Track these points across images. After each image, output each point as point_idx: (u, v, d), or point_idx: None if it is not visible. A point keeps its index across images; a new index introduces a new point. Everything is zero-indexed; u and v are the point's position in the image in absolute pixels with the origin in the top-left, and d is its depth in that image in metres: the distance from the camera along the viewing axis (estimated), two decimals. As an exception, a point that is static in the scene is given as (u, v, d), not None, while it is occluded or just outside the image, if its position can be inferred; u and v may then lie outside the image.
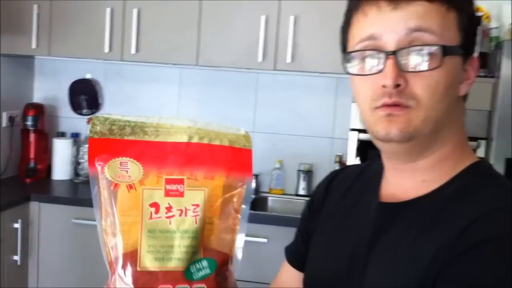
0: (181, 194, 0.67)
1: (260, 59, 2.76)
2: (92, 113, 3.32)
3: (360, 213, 0.88)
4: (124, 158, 0.66)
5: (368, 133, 0.81)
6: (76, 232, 2.75)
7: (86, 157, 3.10)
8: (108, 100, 3.34)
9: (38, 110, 3.15)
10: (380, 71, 0.75)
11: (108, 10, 2.87)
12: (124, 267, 0.65)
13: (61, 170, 3.19)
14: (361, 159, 2.54)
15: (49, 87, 3.39)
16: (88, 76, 3.32)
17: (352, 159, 2.61)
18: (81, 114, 3.33)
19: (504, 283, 0.66)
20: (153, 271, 0.65)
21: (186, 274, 0.66)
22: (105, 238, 0.66)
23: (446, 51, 0.74)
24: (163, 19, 2.86)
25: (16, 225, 2.67)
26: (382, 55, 0.75)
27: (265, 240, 2.57)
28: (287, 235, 1.06)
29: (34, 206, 2.79)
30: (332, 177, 1.01)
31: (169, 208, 0.66)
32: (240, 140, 0.71)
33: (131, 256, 0.65)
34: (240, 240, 0.70)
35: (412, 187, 0.82)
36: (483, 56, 2.70)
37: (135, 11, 2.85)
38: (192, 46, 2.84)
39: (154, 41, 2.88)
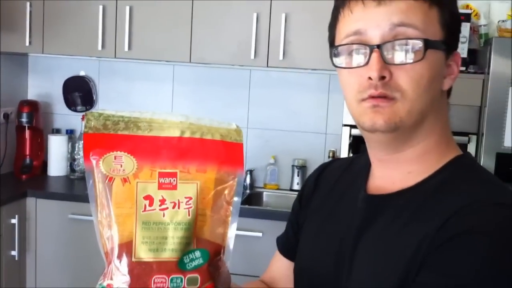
0: (174, 187, 0.69)
1: (252, 56, 2.79)
2: (87, 109, 3.34)
3: (348, 205, 0.90)
4: (119, 152, 0.68)
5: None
6: (72, 227, 2.77)
7: (81, 153, 3.12)
8: (102, 97, 3.36)
9: (33, 107, 3.16)
10: (365, 64, 0.78)
11: (100, 8, 2.88)
12: (119, 257, 0.67)
13: (56, 166, 3.21)
14: (354, 154, 2.58)
15: (43, 84, 3.40)
16: (81, 73, 3.33)
17: (345, 154, 2.65)
18: (75, 111, 3.35)
19: (481, 274, 0.69)
20: (147, 262, 0.67)
21: (180, 265, 0.67)
22: (101, 230, 0.68)
23: (428, 44, 0.77)
24: (156, 16, 2.88)
25: (14, 221, 2.69)
26: (367, 49, 0.78)
27: (260, 234, 2.59)
28: (282, 229, 1.09)
29: (30, 202, 2.81)
30: (322, 170, 1.03)
31: (162, 201, 0.68)
32: (231, 135, 0.73)
33: (127, 247, 0.67)
34: (232, 231, 0.72)
35: (399, 178, 0.84)
36: (473, 52, 2.74)
37: (127, 9, 2.87)
38: (185, 43, 2.86)
39: (146, 38, 2.90)
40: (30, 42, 2.97)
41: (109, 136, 0.69)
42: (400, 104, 0.78)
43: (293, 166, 3.13)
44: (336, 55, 0.82)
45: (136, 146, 0.69)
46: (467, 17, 2.57)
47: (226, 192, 0.71)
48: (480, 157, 2.49)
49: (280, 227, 1.11)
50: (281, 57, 2.77)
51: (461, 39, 2.54)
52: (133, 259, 0.67)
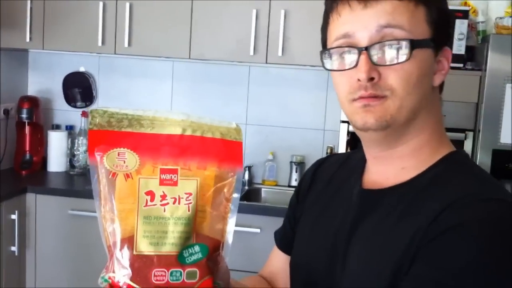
0: (175, 183, 0.70)
1: (251, 52, 2.80)
2: (86, 105, 3.35)
3: (343, 200, 0.92)
4: (122, 148, 0.70)
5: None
6: (72, 223, 2.79)
7: (81, 149, 3.14)
8: (102, 93, 3.37)
9: (33, 103, 3.17)
10: (355, 66, 0.80)
11: (100, 4, 2.90)
12: (121, 251, 0.68)
13: (56, 162, 3.22)
14: (352, 150, 2.59)
15: (43, 80, 3.41)
16: (81, 69, 3.35)
17: (343, 150, 2.67)
18: (75, 106, 3.37)
19: (473, 266, 0.71)
20: (148, 255, 0.68)
21: (179, 258, 0.69)
22: (104, 224, 0.70)
23: (415, 44, 0.79)
24: (155, 13, 2.89)
25: (13, 217, 2.70)
26: (355, 51, 0.80)
27: (258, 230, 2.61)
28: (280, 225, 1.11)
29: (30, 197, 2.83)
30: (318, 165, 1.06)
31: (163, 196, 0.70)
32: (231, 133, 0.74)
33: (128, 241, 0.69)
34: (231, 227, 0.73)
35: (393, 174, 0.86)
36: (470, 49, 2.75)
37: (127, 5, 2.88)
38: (184, 40, 2.87)
39: (146, 34, 2.91)
40: (30, 38, 2.98)
41: (113, 133, 0.70)
42: (390, 101, 0.80)
43: (291, 162, 3.15)
44: (327, 57, 0.85)
45: (139, 143, 0.71)
46: (465, 14, 2.58)
47: (225, 189, 0.73)
48: (476, 154, 2.51)
49: (278, 223, 1.13)
50: (280, 54, 2.79)
51: (459, 36, 2.56)
52: (134, 253, 0.68)
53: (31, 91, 3.40)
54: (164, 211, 0.70)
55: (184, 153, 0.72)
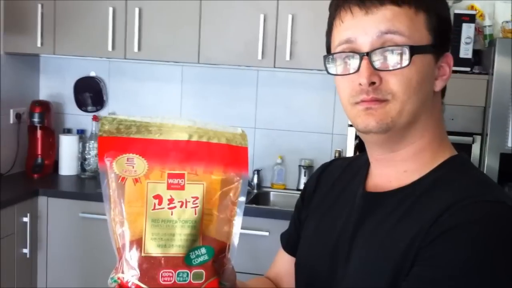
0: (182, 188, 0.72)
1: (259, 57, 2.83)
2: (97, 110, 3.39)
3: (346, 202, 0.94)
4: (131, 154, 0.72)
5: None
6: (83, 226, 2.83)
7: (92, 152, 3.18)
8: (112, 97, 3.41)
9: (44, 107, 3.21)
10: (356, 71, 0.82)
11: (110, 10, 2.94)
12: (130, 252, 0.71)
13: (67, 165, 3.26)
14: (357, 154, 2.61)
15: (54, 84, 3.45)
16: (92, 74, 3.39)
17: (351, 154, 2.68)
18: (86, 111, 3.41)
19: (471, 267, 0.73)
20: (156, 257, 0.71)
21: (186, 260, 0.71)
22: (113, 227, 0.72)
23: (414, 50, 0.81)
24: (164, 18, 2.93)
25: (25, 219, 2.74)
26: (357, 56, 0.82)
27: (266, 233, 2.63)
28: (288, 228, 1.12)
29: (42, 200, 2.87)
30: (323, 169, 1.08)
31: (171, 200, 0.72)
32: (236, 139, 0.76)
33: (137, 243, 0.71)
34: (237, 230, 0.75)
35: (395, 177, 0.88)
36: (478, 53, 2.76)
37: (136, 10, 2.92)
38: (193, 44, 2.90)
39: (155, 39, 2.95)
40: (41, 43, 3.03)
41: (122, 139, 0.73)
42: (391, 105, 0.82)
43: (299, 166, 3.17)
44: (330, 62, 0.87)
45: (147, 149, 0.73)
46: (472, 18, 2.59)
47: (231, 193, 0.75)
48: (484, 157, 2.51)
49: (286, 226, 1.14)
50: (288, 58, 2.81)
51: (466, 40, 2.56)
52: (143, 254, 0.71)
53: (43, 95, 3.44)
54: (172, 214, 0.72)
55: (191, 158, 0.73)
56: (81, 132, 3.35)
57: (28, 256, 2.79)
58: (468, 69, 2.59)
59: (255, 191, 3.14)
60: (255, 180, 3.17)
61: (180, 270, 0.71)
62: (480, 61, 2.77)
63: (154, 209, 0.72)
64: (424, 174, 0.86)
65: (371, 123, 0.83)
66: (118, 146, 0.73)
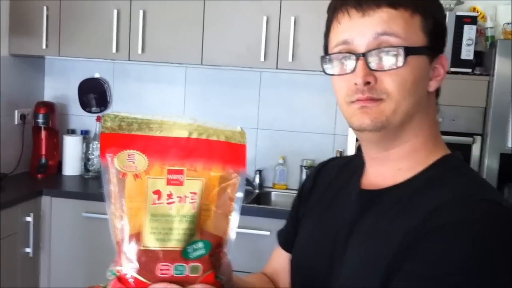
0: (181, 183, 0.74)
1: (262, 58, 2.85)
2: (101, 111, 3.41)
3: (343, 200, 0.96)
4: (132, 150, 0.74)
5: None
6: (86, 226, 2.85)
7: (95, 153, 3.20)
8: (116, 99, 3.44)
9: (49, 108, 3.24)
10: (353, 71, 0.84)
11: (115, 12, 2.96)
12: (129, 246, 0.73)
13: (71, 166, 3.29)
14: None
15: (59, 86, 3.48)
16: (96, 75, 3.41)
17: (352, 155, 2.69)
18: (90, 112, 3.43)
19: (459, 263, 0.74)
20: (154, 250, 0.72)
21: (184, 254, 0.73)
22: (113, 221, 0.74)
23: (409, 51, 0.83)
24: (168, 20, 2.95)
25: (28, 219, 2.77)
26: (353, 57, 0.84)
27: (268, 233, 2.64)
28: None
29: (45, 200, 2.89)
30: (320, 168, 1.10)
31: (170, 195, 0.73)
32: (235, 136, 0.78)
33: (136, 237, 0.73)
34: (234, 225, 0.77)
35: (390, 175, 0.90)
36: (479, 55, 2.77)
37: (141, 13, 2.94)
38: (197, 46, 2.92)
39: (159, 41, 2.97)
40: (46, 45, 3.06)
41: (123, 136, 0.74)
42: (386, 104, 0.84)
43: (301, 166, 3.18)
44: (327, 62, 0.89)
45: (148, 145, 0.74)
46: (474, 20, 2.60)
47: (229, 189, 0.76)
48: (484, 158, 2.52)
49: (288, 226, 1.15)
50: (290, 60, 2.83)
51: (467, 42, 2.58)
52: (141, 248, 0.72)
53: (47, 96, 3.47)
54: (170, 209, 0.73)
55: (191, 155, 0.75)
56: (85, 133, 3.38)
57: (31, 255, 2.81)
58: (469, 70, 2.60)
59: (257, 191, 3.16)
60: (257, 180, 3.19)
61: (177, 264, 0.72)
62: (482, 62, 2.78)
63: (153, 204, 0.73)
64: (418, 172, 0.88)
65: (366, 121, 0.84)
66: (119, 142, 0.74)
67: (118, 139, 0.74)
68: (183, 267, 0.73)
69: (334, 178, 1.03)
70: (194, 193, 0.74)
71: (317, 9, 2.74)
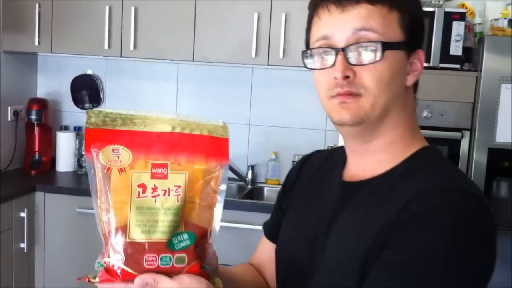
0: (165, 177, 0.76)
1: (253, 55, 2.87)
2: (94, 107, 3.43)
3: (325, 192, 0.98)
4: (116, 145, 0.76)
5: None
6: (79, 221, 2.87)
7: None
8: (109, 95, 3.45)
9: (42, 104, 3.25)
10: (332, 66, 0.87)
11: (107, 9, 2.97)
12: (116, 238, 0.75)
13: (64, 162, 3.30)
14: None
15: (52, 82, 3.49)
16: (89, 72, 3.42)
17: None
18: (83, 108, 3.44)
19: (435, 249, 0.77)
20: (140, 242, 0.74)
21: (169, 245, 0.75)
22: (100, 214, 0.76)
23: (386, 46, 0.85)
24: (160, 16, 2.96)
25: (23, 214, 2.79)
26: (333, 52, 0.87)
27: (260, 227, 2.66)
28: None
29: (39, 196, 2.91)
30: (303, 161, 1.12)
31: (154, 189, 0.75)
32: (218, 130, 0.80)
33: (122, 229, 0.75)
34: (218, 216, 0.79)
35: (369, 167, 0.92)
36: (468, 50, 2.80)
37: (132, 9, 2.96)
38: (188, 42, 2.94)
39: (151, 38, 2.98)
40: (39, 42, 3.07)
41: (107, 131, 0.76)
42: (364, 99, 0.86)
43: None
44: (308, 57, 0.91)
45: (132, 140, 0.76)
46: (462, 16, 2.62)
47: (212, 182, 0.78)
48: (473, 152, 2.55)
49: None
50: (281, 56, 2.85)
51: (456, 37, 2.60)
52: (128, 240, 0.74)
53: (40, 93, 3.48)
54: (155, 202, 0.75)
55: (174, 149, 0.77)
56: (78, 129, 3.39)
57: (25, 250, 2.83)
58: (458, 66, 2.62)
59: (250, 186, 3.18)
60: (250, 176, 3.21)
61: (163, 255, 0.74)
62: (470, 58, 2.81)
63: (138, 197, 0.75)
64: (396, 164, 0.90)
65: (345, 116, 0.87)
66: (104, 137, 0.76)
67: (103, 135, 0.76)
68: (169, 258, 0.75)
69: (316, 170, 1.05)
70: (178, 186, 0.76)
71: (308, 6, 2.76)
